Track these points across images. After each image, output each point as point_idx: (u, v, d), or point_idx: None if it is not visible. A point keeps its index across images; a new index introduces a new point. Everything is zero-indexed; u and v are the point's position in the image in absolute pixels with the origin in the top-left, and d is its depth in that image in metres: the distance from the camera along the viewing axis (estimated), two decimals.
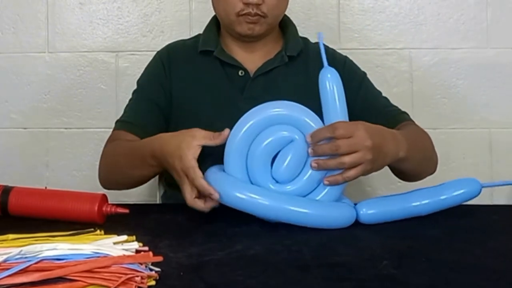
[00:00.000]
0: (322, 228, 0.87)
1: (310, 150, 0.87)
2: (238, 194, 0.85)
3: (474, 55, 1.57)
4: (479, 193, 0.96)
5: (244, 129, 0.88)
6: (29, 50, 1.59)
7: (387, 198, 0.94)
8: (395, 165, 1.00)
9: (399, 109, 1.19)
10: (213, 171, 0.90)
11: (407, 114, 1.19)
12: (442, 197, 0.94)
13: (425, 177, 1.13)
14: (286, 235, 0.85)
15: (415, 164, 1.03)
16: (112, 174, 1.11)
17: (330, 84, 0.92)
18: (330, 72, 0.93)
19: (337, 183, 0.88)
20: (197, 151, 0.89)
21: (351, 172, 0.87)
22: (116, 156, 1.09)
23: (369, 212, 0.91)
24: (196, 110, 1.14)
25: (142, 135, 1.08)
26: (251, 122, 0.88)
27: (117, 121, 1.17)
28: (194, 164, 0.88)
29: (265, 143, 0.88)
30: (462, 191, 0.95)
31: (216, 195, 0.85)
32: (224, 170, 0.90)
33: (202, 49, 1.19)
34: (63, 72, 1.59)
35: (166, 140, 0.95)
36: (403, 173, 1.09)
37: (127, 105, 1.20)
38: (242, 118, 0.90)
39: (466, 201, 0.96)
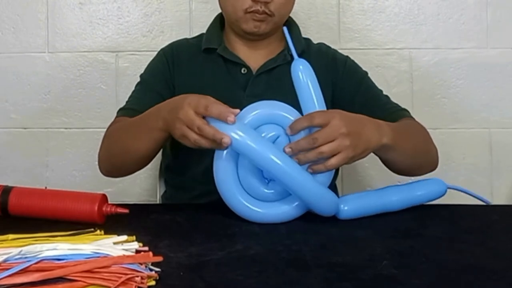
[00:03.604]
0: (308, 212, 0.90)
1: (287, 149, 0.86)
2: (233, 134, 0.83)
3: (474, 55, 1.57)
4: (444, 193, 1.02)
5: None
6: (29, 50, 1.59)
7: (364, 195, 0.97)
8: (382, 154, 1.00)
9: (399, 106, 1.19)
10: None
11: (408, 111, 1.19)
12: (418, 193, 0.99)
13: (424, 172, 1.12)
14: (286, 235, 0.85)
15: (405, 154, 1.02)
16: (114, 155, 1.07)
17: (303, 75, 0.91)
18: (301, 64, 0.92)
19: (321, 171, 0.88)
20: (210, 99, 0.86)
21: (332, 161, 0.87)
22: (118, 132, 1.07)
23: (346, 208, 0.93)
24: None
25: None
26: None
27: (119, 109, 1.17)
28: (209, 97, 0.86)
29: None
30: (429, 190, 1.00)
31: (232, 116, 0.82)
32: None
33: (206, 46, 1.19)
34: (63, 72, 1.59)
35: (172, 99, 0.94)
36: (395, 164, 1.07)
37: (130, 96, 1.20)
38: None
39: (433, 200, 1.01)
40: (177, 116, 0.87)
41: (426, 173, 1.12)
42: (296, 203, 0.90)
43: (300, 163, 0.87)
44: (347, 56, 1.25)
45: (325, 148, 0.86)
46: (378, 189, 0.98)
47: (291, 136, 0.88)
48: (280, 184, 0.89)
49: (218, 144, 0.84)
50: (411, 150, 1.04)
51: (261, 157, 0.84)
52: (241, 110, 0.89)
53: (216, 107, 0.84)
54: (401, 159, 1.03)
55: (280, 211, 0.90)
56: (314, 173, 0.88)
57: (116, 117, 1.15)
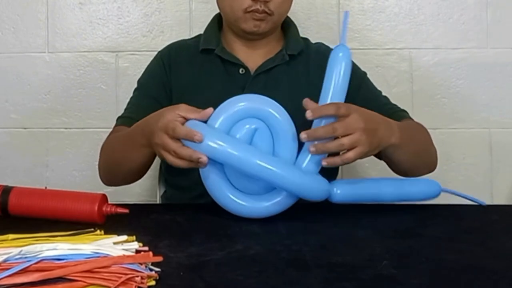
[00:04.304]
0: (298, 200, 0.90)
1: (303, 135, 0.86)
2: (210, 143, 0.84)
3: (474, 55, 1.57)
4: (437, 195, 1.01)
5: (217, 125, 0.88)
6: (29, 50, 1.59)
7: (358, 181, 0.97)
8: (388, 153, 1.00)
9: (399, 107, 1.20)
10: (192, 123, 0.88)
11: (407, 112, 1.19)
12: (412, 190, 0.98)
13: (424, 172, 1.12)
14: (286, 235, 0.85)
15: (409, 154, 1.03)
16: (110, 166, 1.11)
17: (341, 62, 0.90)
18: (343, 50, 0.91)
19: (336, 165, 0.89)
20: (176, 118, 0.88)
21: (350, 154, 0.87)
22: (112, 145, 1.10)
23: (339, 192, 0.93)
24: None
25: None
26: (221, 119, 0.88)
27: (118, 118, 1.19)
28: (175, 117, 0.87)
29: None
30: (422, 188, 0.99)
31: (200, 136, 0.83)
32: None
33: (203, 47, 1.19)
34: (63, 72, 1.59)
35: (151, 115, 0.96)
36: (399, 164, 1.07)
37: (128, 103, 1.21)
38: (212, 117, 0.89)
39: (425, 199, 1.00)
40: (153, 140, 0.90)
41: (426, 173, 1.12)
42: (285, 193, 0.90)
43: (316, 152, 0.87)
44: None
45: (346, 140, 0.86)
46: (373, 178, 0.99)
47: (277, 127, 0.88)
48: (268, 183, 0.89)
49: (196, 164, 0.85)
50: (415, 150, 1.05)
51: (246, 164, 0.85)
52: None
53: (180, 129, 0.85)
54: (405, 158, 1.04)
55: (270, 202, 0.90)
56: (328, 165, 0.88)
57: (115, 125, 1.18)
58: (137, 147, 0.99)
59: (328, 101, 0.90)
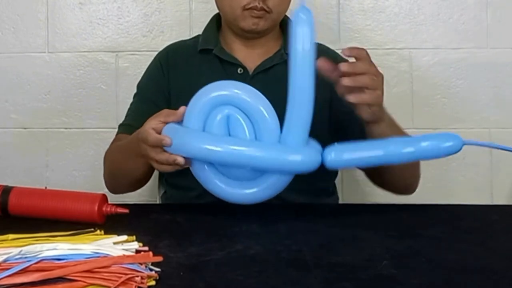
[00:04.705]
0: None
1: (343, 66, 0.90)
2: (180, 144, 0.87)
3: (474, 55, 1.57)
4: (459, 149, 0.89)
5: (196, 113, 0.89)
6: (29, 50, 1.58)
7: (357, 143, 0.90)
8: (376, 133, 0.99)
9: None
10: (169, 125, 0.90)
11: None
12: (424, 144, 0.87)
13: (405, 191, 1.11)
14: (286, 235, 0.85)
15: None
16: (114, 175, 1.14)
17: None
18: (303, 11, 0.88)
19: (362, 101, 0.92)
20: (156, 124, 0.91)
21: (374, 93, 0.92)
22: (113, 155, 1.13)
23: (337, 158, 0.88)
24: None
25: None
26: (193, 116, 0.89)
27: (119, 125, 1.21)
28: (147, 129, 0.91)
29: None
30: (444, 143, 0.88)
31: (167, 140, 0.87)
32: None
33: (202, 47, 1.20)
34: (63, 72, 1.59)
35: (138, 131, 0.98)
36: (385, 172, 1.07)
37: (128, 109, 1.23)
38: (185, 115, 0.90)
39: (445, 155, 0.89)
40: (140, 152, 0.95)
41: (405, 193, 1.11)
42: (278, 175, 0.89)
43: (354, 83, 0.90)
44: (346, 61, 1.24)
45: (376, 81, 0.92)
46: (374, 140, 0.93)
47: (249, 108, 0.88)
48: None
49: (176, 165, 0.89)
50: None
51: (232, 156, 0.85)
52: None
53: (151, 138, 0.89)
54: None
55: (266, 185, 0.89)
56: (355, 101, 0.90)
57: (117, 133, 1.20)
58: (134, 157, 1.00)
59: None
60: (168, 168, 0.91)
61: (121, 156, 1.09)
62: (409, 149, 0.87)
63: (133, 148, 1.00)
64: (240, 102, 0.88)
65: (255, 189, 0.89)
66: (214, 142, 0.86)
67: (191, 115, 0.89)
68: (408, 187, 1.14)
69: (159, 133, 0.90)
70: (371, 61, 0.94)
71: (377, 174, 1.12)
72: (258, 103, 0.88)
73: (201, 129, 0.89)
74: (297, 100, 0.86)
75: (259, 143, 0.87)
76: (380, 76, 0.94)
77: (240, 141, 0.87)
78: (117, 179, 1.14)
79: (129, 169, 1.07)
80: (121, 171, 1.10)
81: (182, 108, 0.91)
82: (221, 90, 0.90)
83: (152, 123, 0.92)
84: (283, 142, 0.87)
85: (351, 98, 0.91)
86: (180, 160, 0.87)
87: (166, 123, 0.91)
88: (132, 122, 1.17)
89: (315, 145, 0.90)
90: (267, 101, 0.89)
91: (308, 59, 0.87)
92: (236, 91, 0.89)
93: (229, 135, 0.88)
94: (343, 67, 0.90)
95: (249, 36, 1.17)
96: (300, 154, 0.86)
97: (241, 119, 0.87)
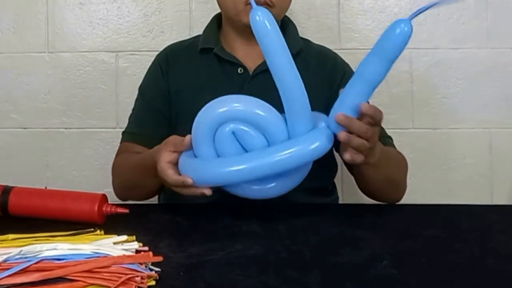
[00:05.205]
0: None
1: (341, 117, 0.86)
2: (202, 178, 0.86)
3: (474, 55, 1.57)
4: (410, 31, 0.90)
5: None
6: (29, 50, 1.58)
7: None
8: (362, 168, 1.00)
9: (385, 132, 1.18)
10: (184, 160, 0.90)
11: (391, 139, 1.19)
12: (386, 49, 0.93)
13: (388, 200, 1.10)
14: (286, 235, 0.85)
15: (380, 176, 1.02)
16: (126, 189, 1.14)
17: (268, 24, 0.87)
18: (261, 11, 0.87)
19: (352, 161, 0.90)
20: (169, 155, 0.91)
21: (361, 157, 0.90)
22: (126, 169, 1.13)
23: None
24: (194, 108, 1.14)
25: (148, 144, 1.10)
26: (199, 143, 0.88)
27: (123, 132, 1.21)
28: (164, 166, 0.91)
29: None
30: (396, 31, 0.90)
31: (189, 180, 0.87)
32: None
33: (202, 46, 1.20)
34: (63, 72, 1.59)
35: (155, 149, 0.98)
36: (368, 182, 1.07)
37: (131, 115, 1.23)
38: (193, 143, 0.90)
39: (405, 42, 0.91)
40: (157, 174, 0.94)
41: (389, 202, 1.10)
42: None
43: (348, 143, 0.87)
44: (347, 65, 1.24)
45: (370, 144, 0.88)
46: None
47: (251, 120, 0.87)
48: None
49: (189, 188, 0.89)
50: (387, 174, 1.04)
51: (257, 168, 0.84)
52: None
53: (172, 180, 0.90)
54: (375, 177, 1.03)
55: (285, 177, 0.89)
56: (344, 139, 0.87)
57: (122, 141, 1.20)
58: (151, 176, 1.00)
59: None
60: (183, 192, 0.91)
61: (135, 174, 1.08)
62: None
63: (148, 169, 0.99)
64: (237, 114, 0.87)
65: (274, 184, 0.89)
66: (235, 162, 0.85)
67: (199, 143, 0.88)
68: (391, 197, 1.11)
69: (175, 163, 0.91)
70: (376, 123, 0.89)
71: (360, 183, 1.12)
72: (253, 107, 0.87)
73: (214, 153, 0.88)
74: (286, 85, 0.87)
75: (275, 147, 0.86)
76: (373, 142, 0.90)
77: (257, 152, 0.86)
78: (132, 192, 1.14)
79: (145, 185, 1.09)
80: (138, 187, 1.10)
81: (188, 137, 0.90)
82: (218, 108, 0.88)
83: (165, 157, 0.91)
84: (293, 134, 0.87)
85: (346, 155, 0.89)
86: (208, 192, 0.88)
87: (177, 151, 0.91)
88: (136, 130, 1.18)
89: (320, 122, 0.89)
90: (262, 102, 0.88)
91: (276, 40, 0.87)
92: (235, 105, 0.88)
93: (243, 147, 0.88)
94: (339, 116, 0.86)
95: (251, 33, 1.17)
96: (317, 140, 0.86)
97: (246, 128, 0.87)
